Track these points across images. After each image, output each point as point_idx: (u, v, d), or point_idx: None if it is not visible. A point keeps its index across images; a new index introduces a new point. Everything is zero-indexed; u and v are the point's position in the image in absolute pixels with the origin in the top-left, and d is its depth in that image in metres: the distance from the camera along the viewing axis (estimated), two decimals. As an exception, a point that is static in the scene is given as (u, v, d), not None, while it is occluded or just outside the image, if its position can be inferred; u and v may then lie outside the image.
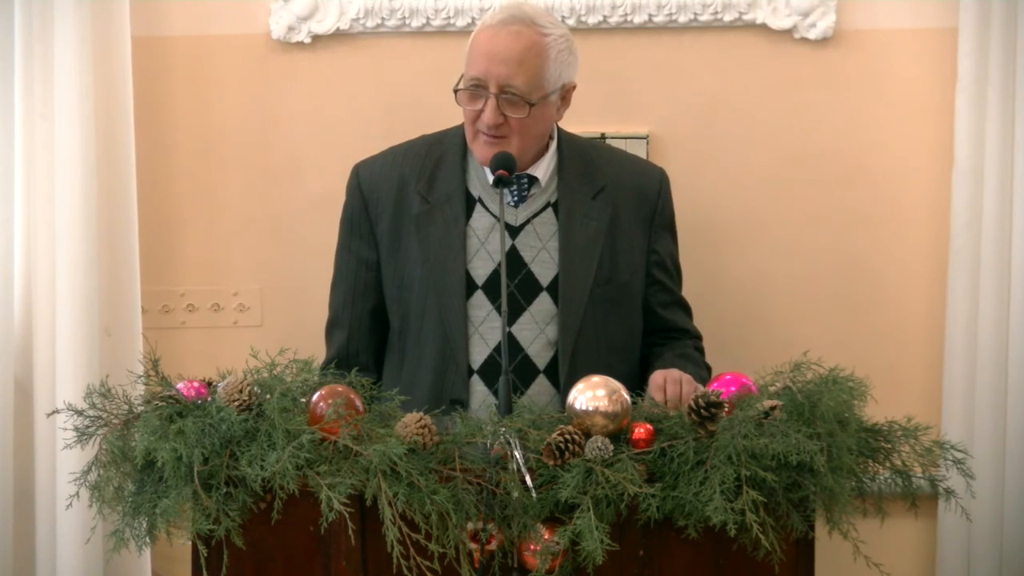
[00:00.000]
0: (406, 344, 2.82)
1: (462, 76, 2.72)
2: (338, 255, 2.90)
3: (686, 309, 2.94)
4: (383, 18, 3.26)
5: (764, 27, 3.25)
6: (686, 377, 2.56)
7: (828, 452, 2.24)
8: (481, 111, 2.69)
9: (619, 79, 3.26)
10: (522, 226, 2.78)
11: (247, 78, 3.31)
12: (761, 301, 3.33)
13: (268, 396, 2.30)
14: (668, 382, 2.54)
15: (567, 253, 2.77)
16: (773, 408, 2.26)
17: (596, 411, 2.27)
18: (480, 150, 2.74)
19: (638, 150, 3.20)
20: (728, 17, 3.24)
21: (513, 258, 2.76)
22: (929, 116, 3.26)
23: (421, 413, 2.28)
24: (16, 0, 3.10)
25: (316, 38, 3.28)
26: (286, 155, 3.33)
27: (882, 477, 2.37)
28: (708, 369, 2.87)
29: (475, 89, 2.69)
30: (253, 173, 3.34)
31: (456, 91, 2.72)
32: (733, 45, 3.26)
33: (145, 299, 3.29)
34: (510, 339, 2.74)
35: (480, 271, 2.76)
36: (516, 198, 2.78)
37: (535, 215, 2.79)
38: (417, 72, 3.28)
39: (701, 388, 2.57)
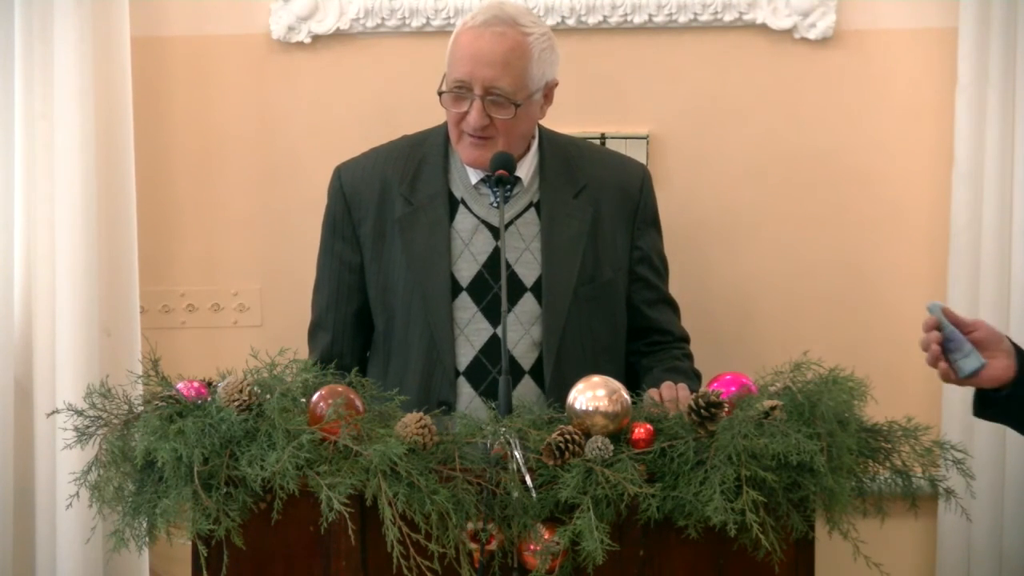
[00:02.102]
0: (391, 346, 2.81)
1: (444, 77, 2.72)
2: (320, 257, 2.89)
3: (673, 306, 2.93)
4: (383, 18, 3.26)
5: (764, 27, 3.25)
6: (680, 384, 2.56)
7: (828, 452, 2.24)
8: (466, 113, 2.69)
9: (619, 79, 3.26)
10: (505, 227, 2.77)
11: (247, 78, 3.31)
12: (761, 301, 3.33)
13: (268, 396, 2.30)
14: (664, 388, 2.53)
15: (550, 253, 2.76)
16: (773, 408, 2.26)
17: (596, 411, 2.27)
18: (466, 152, 2.74)
19: (638, 150, 3.20)
20: (728, 17, 3.24)
21: (497, 259, 2.74)
22: (929, 116, 3.26)
23: (421, 413, 2.29)
24: (16, 0, 3.10)
25: (316, 38, 3.28)
26: (286, 155, 3.33)
27: (882, 477, 2.37)
28: (697, 376, 2.86)
29: (459, 91, 2.69)
30: (253, 173, 3.34)
31: (440, 93, 2.71)
32: (733, 45, 3.26)
33: (145, 299, 3.29)
34: (496, 341, 2.74)
35: (464, 273, 2.76)
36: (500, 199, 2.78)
37: (518, 216, 2.79)
38: (417, 72, 3.27)
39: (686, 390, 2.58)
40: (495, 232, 2.76)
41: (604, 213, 2.82)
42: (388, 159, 2.85)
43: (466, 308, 2.75)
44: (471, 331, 2.75)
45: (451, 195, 2.79)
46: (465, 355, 2.75)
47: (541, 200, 2.79)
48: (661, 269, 2.91)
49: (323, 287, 2.88)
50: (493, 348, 2.73)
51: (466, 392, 2.73)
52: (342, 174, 2.87)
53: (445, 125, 2.80)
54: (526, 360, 2.76)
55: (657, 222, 2.92)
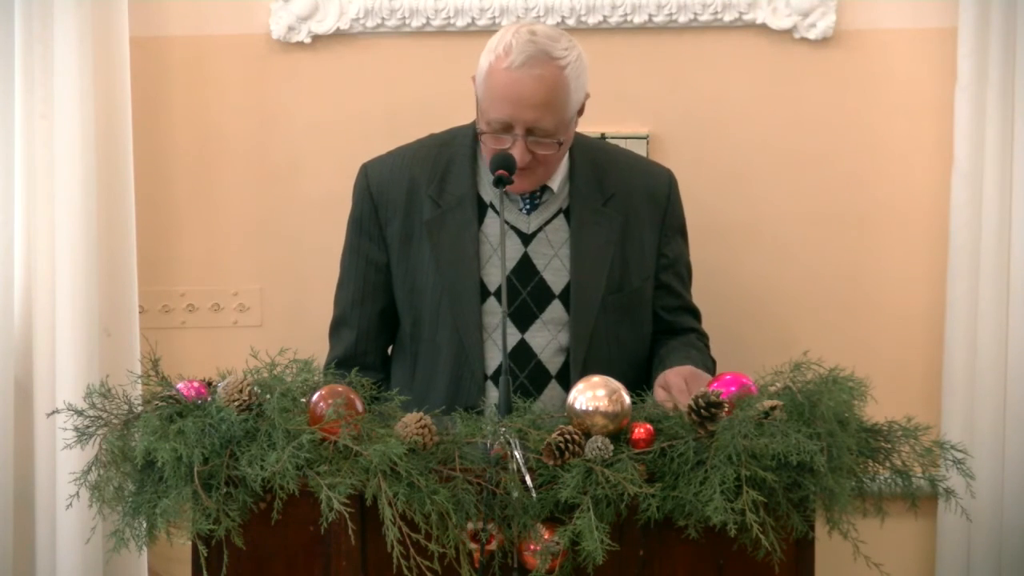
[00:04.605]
0: (418, 348, 2.82)
1: (479, 112, 2.68)
2: (345, 255, 2.89)
3: (695, 314, 2.93)
4: (383, 18, 3.26)
5: (764, 27, 3.25)
6: (687, 369, 2.57)
7: (828, 452, 2.24)
8: (507, 148, 2.65)
9: (619, 79, 3.26)
10: (534, 233, 2.78)
11: (247, 78, 3.31)
12: (761, 301, 3.33)
13: (268, 396, 2.30)
14: (688, 383, 2.53)
15: (578, 261, 2.77)
16: (773, 408, 2.26)
17: (596, 411, 2.27)
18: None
19: (638, 150, 3.20)
20: (728, 17, 3.24)
21: (526, 265, 2.76)
22: (929, 116, 3.26)
23: (421, 413, 2.29)
24: (16, 0, 3.10)
25: (316, 38, 3.28)
26: (286, 155, 3.33)
27: (882, 477, 2.37)
28: (713, 361, 2.87)
29: (500, 131, 2.66)
30: (253, 173, 3.34)
31: (480, 133, 2.69)
32: (733, 45, 3.26)
33: (145, 299, 3.29)
34: (523, 345, 2.75)
35: (493, 278, 2.76)
36: (528, 205, 2.78)
37: (547, 222, 2.79)
38: (417, 72, 3.28)
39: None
40: (524, 238, 2.77)
41: (632, 221, 2.82)
42: (415, 159, 2.83)
43: (494, 313, 2.75)
44: (499, 336, 2.73)
45: (479, 199, 2.79)
46: (493, 359, 2.75)
47: (571, 207, 2.79)
48: (685, 276, 2.91)
49: (348, 284, 2.87)
50: (521, 353, 2.75)
51: (493, 396, 2.72)
52: (369, 172, 2.86)
53: (472, 126, 2.80)
54: (553, 365, 2.76)
55: (684, 229, 2.92)
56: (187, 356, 3.26)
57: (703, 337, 2.92)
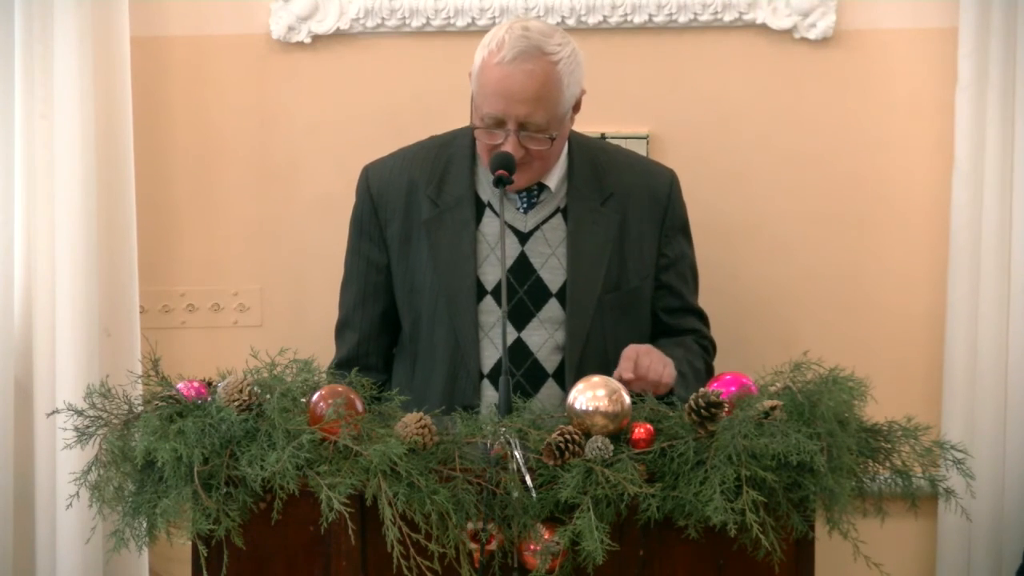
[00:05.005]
0: (417, 348, 2.82)
1: (473, 107, 2.70)
2: (348, 257, 2.90)
3: (699, 316, 2.92)
4: (383, 18, 3.26)
5: (764, 27, 3.25)
6: (661, 355, 2.57)
7: (828, 452, 2.24)
8: (499, 144, 2.66)
9: (619, 79, 3.26)
10: (531, 232, 2.78)
11: (247, 78, 3.31)
12: (761, 301, 3.33)
13: (268, 396, 2.30)
14: (639, 355, 2.55)
15: (575, 260, 2.77)
16: (773, 408, 2.26)
17: (596, 411, 2.27)
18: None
19: (638, 150, 3.20)
20: (728, 17, 3.24)
21: (522, 264, 2.77)
22: (929, 116, 3.26)
23: (421, 413, 2.29)
24: (16, 0, 3.10)
25: (316, 38, 3.28)
26: (286, 155, 3.33)
27: (882, 477, 2.37)
28: (708, 365, 2.86)
29: (493, 126, 2.67)
30: (253, 173, 3.34)
31: (474, 129, 2.70)
32: (733, 45, 3.26)
33: (145, 299, 3.29)
34: (519, 344, 2.75)
35: (490, 277, 2.76)
36: (526, 204, 2.79)
37: (544, 221, 2.79)
38: (417, 72, 3.28)
39: (672, 367, 2.58)
40: (521, 237, 2.77)
41: (631, 220, 2.82)
42: (415, 160, 2.85)
43: (491, 312, 2.75)
44: (495, 335, 2.74)
45: (478, 198, 2.79)
46: (490, 358, 2.75)
47: (568, 206, 2.79)
48: (688, 277, 2.90)
49: (350, 286, 2.89)
50: (518, 351, 2.75)
51: (489, 394, 2.74)
52: (369, 174, 2.87)
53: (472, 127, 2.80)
54: (549, 364, 2.76)
55: (686, 229, 2.91)
56: (187, 356, 3.25)
57: (703, 340, 2.91)
